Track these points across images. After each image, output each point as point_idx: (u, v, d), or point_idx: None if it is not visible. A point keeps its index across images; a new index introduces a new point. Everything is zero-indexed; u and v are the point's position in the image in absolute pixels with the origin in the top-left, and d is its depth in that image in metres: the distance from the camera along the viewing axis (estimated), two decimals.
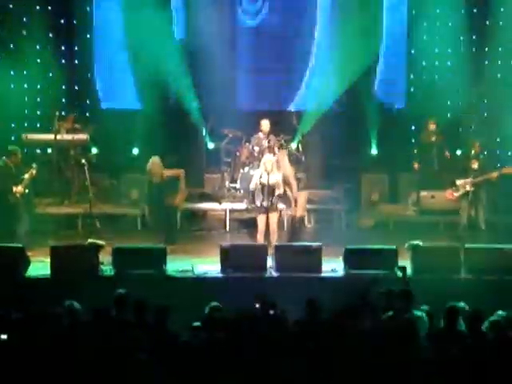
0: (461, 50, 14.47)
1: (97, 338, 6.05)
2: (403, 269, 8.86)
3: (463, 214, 12.46)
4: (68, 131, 13.72)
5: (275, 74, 15.03)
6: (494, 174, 12.34)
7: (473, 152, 12.66)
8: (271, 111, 14.62)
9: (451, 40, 14.52)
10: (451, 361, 6.25)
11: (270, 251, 10.61)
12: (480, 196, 12.55)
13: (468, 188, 12.32)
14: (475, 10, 14.62)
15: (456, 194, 12.51)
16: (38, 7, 14.41)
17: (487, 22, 14.49)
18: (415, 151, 13.98)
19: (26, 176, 11.64)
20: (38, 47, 14.29)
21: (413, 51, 14.80)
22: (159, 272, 10.17)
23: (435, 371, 6.13)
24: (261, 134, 13.44)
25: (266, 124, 13.46)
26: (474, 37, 14.56)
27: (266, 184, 11.46)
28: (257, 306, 7.66)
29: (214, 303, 7.41)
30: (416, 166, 13.91)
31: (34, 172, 11.74)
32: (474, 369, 6.17)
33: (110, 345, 6.05)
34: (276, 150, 13.30)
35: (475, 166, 12.43)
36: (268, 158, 11.77)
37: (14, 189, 11.57)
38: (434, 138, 13.86)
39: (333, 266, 10.43)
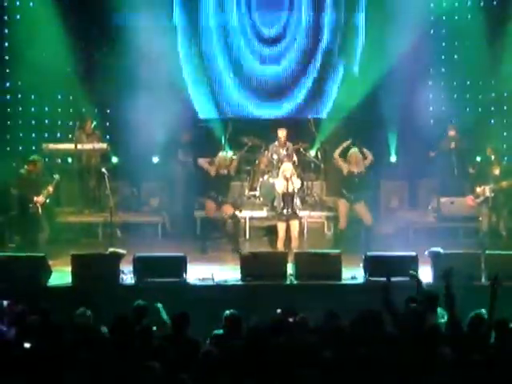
0: (483, 56, 14.32)
1: (117, 347, 6.07)
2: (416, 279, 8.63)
3: (484, 220, 12.37)
4: (88, 136, 13.75)
5: (294, 82, 15.05)
6: (504, 184, 12.20)
7: (493, 158, 12.59)
8: (289, 118, 14.63)
9: (472, 46, 14.41)
10: (474, 366, 6.22)
11: (290, 259, 10.62)
12: (501, 202, 12.47)
13: (488, 194, 12.24)
14: (495, 3, 14.51)
15: (477, 200, 12.44)
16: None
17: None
18: (433, 154, 13.90)
19: (46, 190, 11.74)
20: (58, 58, 14.30)
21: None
22: (180, 280, 10.20)
23: (457, 377, 6.10)
24: (278, 143, 13.49)
25: (282, 133, 13.51)
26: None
27: (286, 192, 11.51)
28: (278, 311, 7.69)
29: (232, 311, 7.43)
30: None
31: (51, 189, 11.82)
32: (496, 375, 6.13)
33: (131, 354, 6.07)
34: (295, 157, 13.33)
35: (496, 171, 12.36)
36: (286, 166, 11.82)
37: (35, 198, 11.66)
38: (453, 145, 13.81)
39: (353, 274, 10.43)
